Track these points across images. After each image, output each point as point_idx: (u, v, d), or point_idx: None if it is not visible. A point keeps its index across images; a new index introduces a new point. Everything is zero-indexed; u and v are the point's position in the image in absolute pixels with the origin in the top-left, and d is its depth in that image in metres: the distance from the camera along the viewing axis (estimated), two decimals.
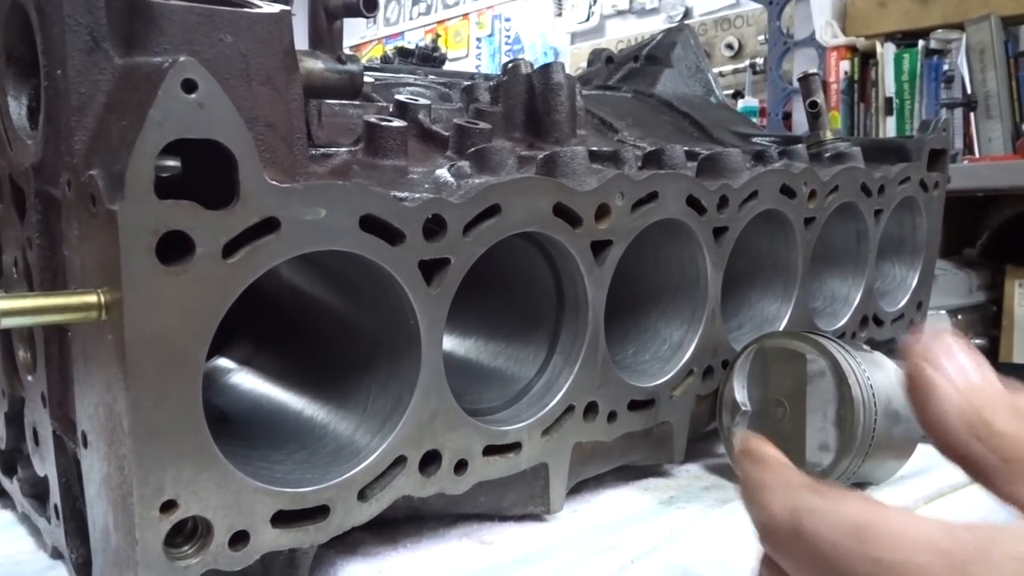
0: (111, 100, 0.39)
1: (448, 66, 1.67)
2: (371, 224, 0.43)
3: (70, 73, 0.38)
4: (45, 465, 0.49)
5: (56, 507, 0.48)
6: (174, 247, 0.37)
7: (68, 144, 0.39)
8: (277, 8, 0.47)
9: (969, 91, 2.10)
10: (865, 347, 0.63)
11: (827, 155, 0.82)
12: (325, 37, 0.54)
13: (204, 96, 0.36)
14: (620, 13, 3.35)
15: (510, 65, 0.75)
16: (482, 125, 0.60)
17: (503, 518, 0.57)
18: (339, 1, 0.52)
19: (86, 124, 0.39)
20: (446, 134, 0.61)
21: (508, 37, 3.81)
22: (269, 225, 0.39)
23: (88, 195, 0.37)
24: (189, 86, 0.36)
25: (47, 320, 0.37)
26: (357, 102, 0.65)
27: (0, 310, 0.35)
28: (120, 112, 0.38)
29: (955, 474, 0.66)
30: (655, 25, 3.17)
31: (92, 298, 0.37)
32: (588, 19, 3.44)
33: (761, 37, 2.72)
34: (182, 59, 0.35)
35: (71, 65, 0.38)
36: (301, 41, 0.52)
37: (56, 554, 0.51)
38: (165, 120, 0.35)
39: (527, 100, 0.68)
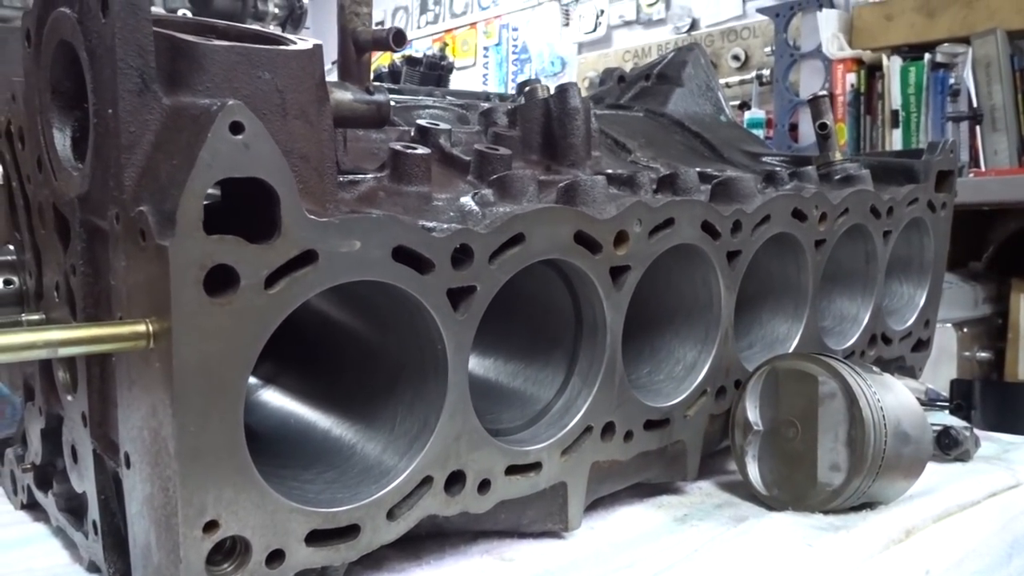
0: (159, 139, 0.41)
1: (455, 75, 1.68)
2: (403, 254, 0.45)
3: (121, 113, 0.40)
4: (84, 482, 0.51)
5: (95, 523, 0.50)
6: (219, 279, 0.39)
7: (117, 180, 0.41)
8: (311, 43, 0.49)
9: (975, 104, 2.11)
10: (875, 369, 0.65)
11: (837, 177, 0.84)
12: (354, 69, 0.56)
13: (250, 137, 0.38)
14: (627, 23, 3.37)
15: (527, 88, 0.77)
16: (502, 151, 0.62)
17: (523, 535, 0.58)
18: (368, 35, 0.54)
19: (135, 161, 0.41)
20: (467, 158, 0.63)
21: (515, 46, 3.84)
22: (308, 257, 0.41)
23: (138, 230, 0.39)
24: (236, 128, 0.37)
25: (100, 349, 0.39)
26: None
27: (57, 340, 0.37)
28: (168, 151, 0.40)
29: (963, 494, 0.67)
30: (662, 36, 3.19)
31: (141, 327, 0.39)
32: (595, 29, 3.46)
33: (768, 49, 2.74)
34: (230, 103, 0.37)
35: (122, 106, 0.40)
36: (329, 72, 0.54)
37: (93, 568, 0.53)
38: (214, 161, 0.37)
39: (544, 124, 0.70)
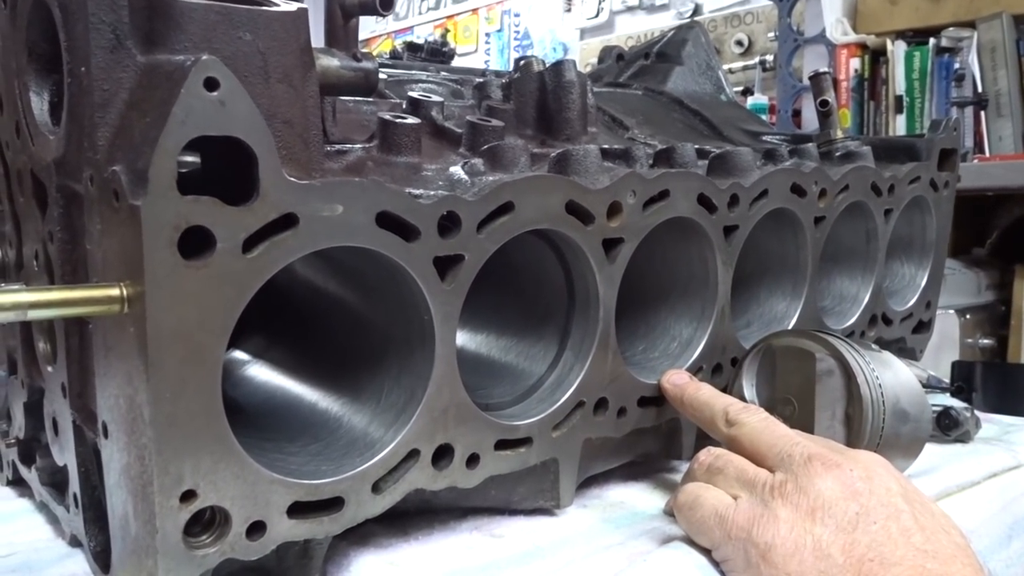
0: (133, 97, 0.39)
1: (457, 61, 1.67)
2: (387, 221, 0.44)
3: (93, 71, 0.39)
4: (64, 454, 0.50)
5: (75, 496, 0.49)
6: (195, 242, 0.37)
7: (91, 140, 0.40)
8: (294, 6, 0.48)
9: (980, 89, 2.09)
10: (874, 346, 0.64)
11: (837, 154, 0.82)
12: (340, 35, 0.54)
13: (225, 94, 0.36)
14: (630, 9, 3.34)
15: (522, 62, 0.75)
16: (494, 122, 0.61)
17: (513, 512, 0.57)
18: None
19: (109, 120, 0.39)
20: (459, 131, 0.61)
21: (517, 32, 3.81)
22: (288, 221, 0.40)
23: (111, 190, 0.37)
24: (211, 84, 0.36)
25: (71, 312, 0.38)
26: (371, 99, 0.66)
27: (27, 302, 0.36)
28: (142, 109, 0.38)
29: (963, 474, 0.66)
30: (665, 21, 3.16)
31: (115, 291, 0.37)
32: (597, 15, 3.43)
33: (771, 34, 2.71)
34: (204, 58, 0.36)
35: (94, 63, 0.39)
36: (317, 39, 0.53)
37: (75, 542, 0.52)
38: (187, 118, 0.36)
39: (539, 97, 0.69)
